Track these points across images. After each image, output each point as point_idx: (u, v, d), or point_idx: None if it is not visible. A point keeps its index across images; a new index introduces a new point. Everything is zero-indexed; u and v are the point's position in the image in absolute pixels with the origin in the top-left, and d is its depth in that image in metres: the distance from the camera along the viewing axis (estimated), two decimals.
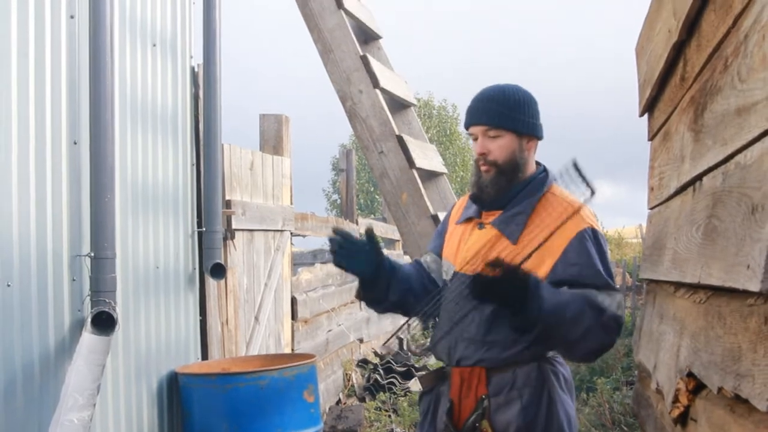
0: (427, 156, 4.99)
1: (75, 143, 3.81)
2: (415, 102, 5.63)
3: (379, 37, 5.60)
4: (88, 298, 3.80)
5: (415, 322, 3.18)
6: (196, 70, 5.18)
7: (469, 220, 3.13)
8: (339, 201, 30.53)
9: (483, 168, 3.00)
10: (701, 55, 2.21)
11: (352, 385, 9.48)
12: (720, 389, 1.75)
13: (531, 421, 2.88)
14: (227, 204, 5.62)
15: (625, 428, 7.08)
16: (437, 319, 3.12)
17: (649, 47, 3.07)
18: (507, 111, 2.96)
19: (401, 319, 3.28)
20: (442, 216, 4.40)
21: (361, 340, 10.67)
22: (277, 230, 6.77)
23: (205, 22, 5.10)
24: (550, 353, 2.97)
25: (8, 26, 3.37)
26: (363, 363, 10.11)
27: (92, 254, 3.78)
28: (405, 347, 12.36)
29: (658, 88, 3.00)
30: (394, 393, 9.11)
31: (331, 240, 3.03)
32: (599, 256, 2.88)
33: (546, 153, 3.14)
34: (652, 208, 3.22)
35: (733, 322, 1.71)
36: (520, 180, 3.00)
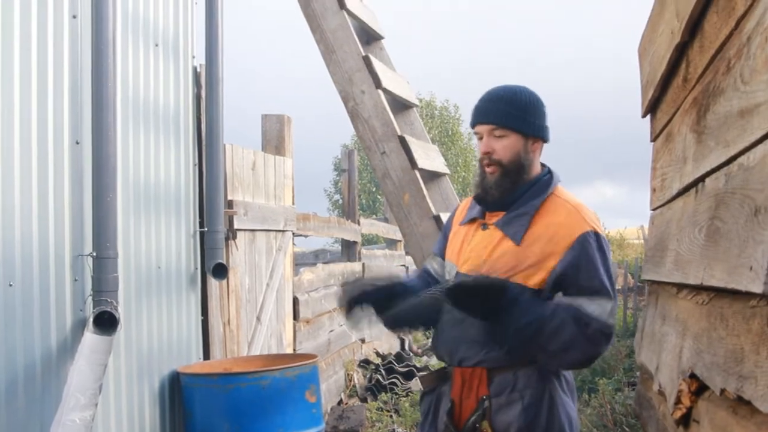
0: (429, 157, 4.99)
1: (77, 143, 3.81)
2: (417, 102, 5.63)
3: (381, 38, 5.60)
4: (90, 297, 3.81)
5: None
6: (198, 70, 5.18)
7: (472, 220, 3.13)
8: (341, 201, 30.53)
9: (488, 169, 2.99)
10: (704, 57, 2.21)
11: (354, 386, 9.47)
12: (723, 391, 1.75)
13: (532, 422, 2.88)
14: (229, 204, 5.62)
15: (627, 429, 7.08)
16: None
17: (652, 48, 3.07)
18: (514, 111, 2.95)
19: None
20: (444, 217, 4.40)
21: (362, 341, 10.67)
22: (279, 230, 6.77)
23: (207, 23, 5.10)
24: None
25: (11, 26, 3.37)
26: (365, 363, 10.11)
27: (94, 254, 3.78)
28: (407, 347, 12.36)
29: (661, 89, 3.00)
30: (396, 393, 9.11)
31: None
32: (600, 260, 2.88)
33: (546, 154, 3.14)
34: (654, 210, 3.22)
35: (735, 324, 1.71)
36: (525, 181, 2.99)
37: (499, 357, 2.92)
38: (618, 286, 13.77)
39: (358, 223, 11.01)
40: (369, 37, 5.52)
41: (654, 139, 3.30)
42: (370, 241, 22.68)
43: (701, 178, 2.17)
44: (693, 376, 2.08)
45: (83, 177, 3.84)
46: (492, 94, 3.04)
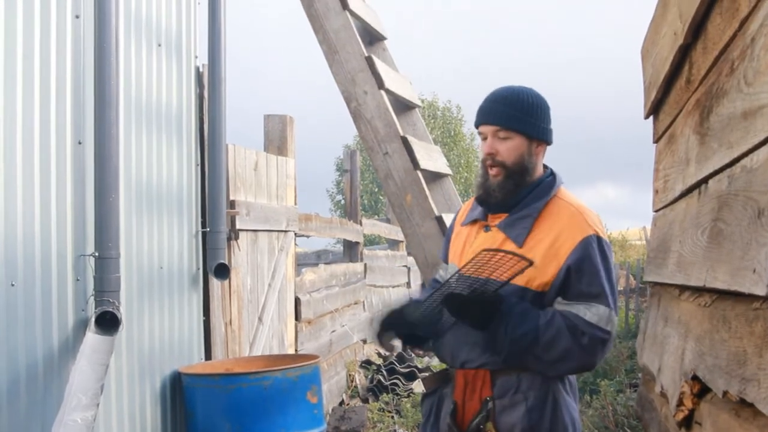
0: (431, 157, 4.99)
1: (80, 143, 3.81)
2: (419, 103, 5.63)
3: (384, 38, 5.60)
4: (92, 297, 3.80)
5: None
6: (201, 70, 5.18)
7: (474, 222, 3.12)
8: (343, 202, 30.52)
9: (491, 171, 2.99)
10: (707, 58, 2.21)
11: (356, 386, 9.47)
12: (725, 393, 1.74)
13: (536, 423, 2.87)
14: (231, 204, 5.62)
15: (629, 431, 7.07)
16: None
17: (655, 50, 3.07)
18: (519, 113, 2.95)
19: None
20: (446, 217, 4.40)
21: (364, 341, 10.67)
22: (281, 231, 6.78)
23: (210, 23, 5.10)
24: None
25: (14, 25, 3.37)
26: (366, 364, 10.11)
27: (96, 254, 3.78)
28: (408, 348, 12.34)
29: (664, 90, 2.99)
30: (398, 394, 9.11)
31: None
32: (602, 265, 2.87)
33: (549, 155, 3.14)
34: (656, 211, 3.22)
35: (738, 326, 1.71)
36: (528, 183, 2.99)
37: (500, 360, 2.93)
38: (620, 288, 13.77)
39: (360, 224, 11.01)
40: (372, 37, 5.52)
41: (657, 141, 3.29)
42: (372, 241, 22.69)
43: (704, 180, 2.17)
44: (695, 378, 2.07)
45: (85, 177, 3.84)
46: (497, 95, 3.03)
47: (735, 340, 1.71)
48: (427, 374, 3.41)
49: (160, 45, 4.62)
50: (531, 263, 2.73)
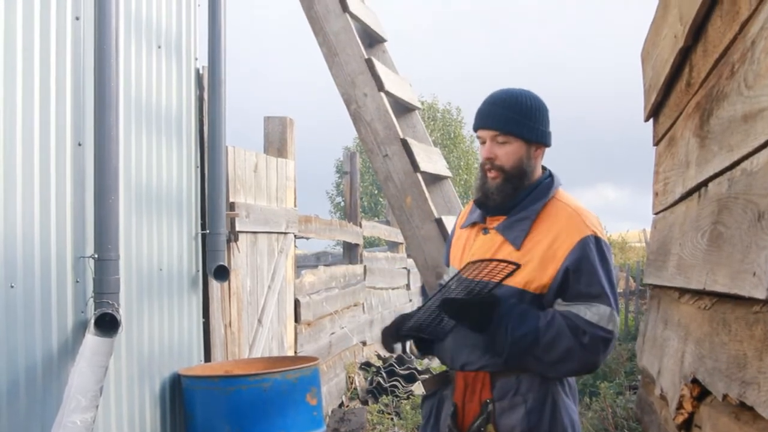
0: (431, 159, 4.99)
1: (79, 145, 3.81)
2: (419, 105, 5.62)
3: (384, 41, 5.60)
4: (92, 299, 3.80)
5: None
6: (200, 72, 5.18)
7: (473, 224, 3.13)
8: (343, 204, 30.52)
9: (490, 174, 2.99)
10: (707, 61, 2.21)
11: (355, 388, 9.47)
12: (725, 396, 1.74)
13: (535, 425, 2.87)
14: (231, 206, 5.62)
15: None
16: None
17: (655, 52, 3.07)
18: (517, 117, 2.95)
19: None
20: (446, 220, 4.40)
21: (364, 343, 10.67)
22: (281, 233, 6.77)
23: (210, 24, 5.10)
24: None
25: (14, 27, 3.37)
26: (366, 366, 10.11)
27: (96, 256, 3.78)
28: (408, 350, 12.33)
29: (664, 93, 2.99)
30: (397, 396, 9.10)
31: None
32: (601, 265, 2.87)
33: (549, 157, 3.14)
34: (656, 214, 3.22)
35: (738, 329, 1.71)
36: (526, 186, 2.99)
37: (501, 362, 2.93)
38: (620, 290, 13.77)
39: (360, 226, 11.01)
40: (372, 39, 5.52)
41: (657, 143, 3.29)
42: (371, 243, 22.67)
43: (704, 183, 2.17)
44: (695, 381, 2.07)
45: (85, 178, 3.83)
46: (495, 99, 3.02)
47: (735, 343, 1.71)
48: (426, 376, 3.41)
49: (160, 47, 4.62)
50: (518, 266, 2.74)
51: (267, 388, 4.47)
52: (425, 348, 3.21)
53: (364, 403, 9.14)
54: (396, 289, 13.00)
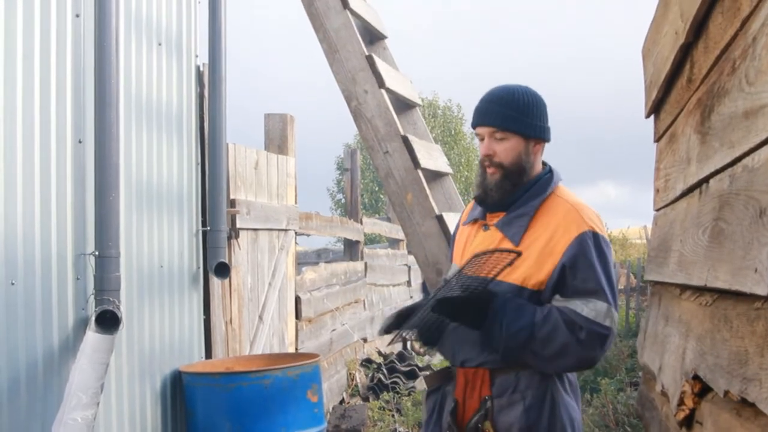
0: (432, 156, 4.98)
1: (80, 142, 3.81)
2: (420, 102, 5.62)
3: (385, 37, 5.58)
4: (92, 296, 3.80)
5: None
6: (201, 69, 5.18)
7: (475, 221, 3.13)
8: (343, 200, 30.51)
9: (489, 170, 2.99)
10: (708, 57, 2.20)
11: (356, 385, 9.48)
12: (726, 393, 1.74)
13: (533, 423, 2.87)
14: (232, 203, 5.62)
15: (629, 429, 7.07)
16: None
17: (656, 49, 3.06)
18: (515, 113, 2.95)
19: None
20: (447, 217, 4.39)
21: (365, 340, 10.68)
22: (282, 229, 6.77)
23: (211, 22, 5.10)
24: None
25: (14, 24, 3.37)
26: (367, 362, 10.12)
27: (96, 253, 3.78)
28: (409, 346, 12.36)
29: (665, 89, 2.99)
30: (398, 392, 9.11)
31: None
32: (598, 261, 2.86)
33: (550, 154, 3.13)
34: (657, 210, 3.21)
35: (739, 326, 1.71)
36: (525, 182, 2.99)
37: (498, 358, 2.93)
38: (620, 287, 13.77)
39: (361, 223, 11.01)
40: (372, 36, 5.51)
41: (657, 140, 3.29)
42: (372, 240, 22.66)
43: (705, 179, 2.17)
44: (696, 377, 2.07)
45: (86, 176, 3.83)
46: (493, 95, 3.02)
47: (736, 339, 1.71)
48: (427, 373, 3.42)
49: (160, 44, 4.62)
50: (519, 254, 2.74)
51: (268, 385, 4.48)
52: (428, 343, 3.22)
53: (365, 399, 9.15)
54: (397, 286, 13.00)
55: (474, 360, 2.97)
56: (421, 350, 12.24)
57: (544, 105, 3.04)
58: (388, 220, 13.79)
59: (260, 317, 6.25)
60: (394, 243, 14.08)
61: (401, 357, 10.43)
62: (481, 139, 3.02)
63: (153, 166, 4.50)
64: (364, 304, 10.81)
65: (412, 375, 9.63)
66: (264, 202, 6.34)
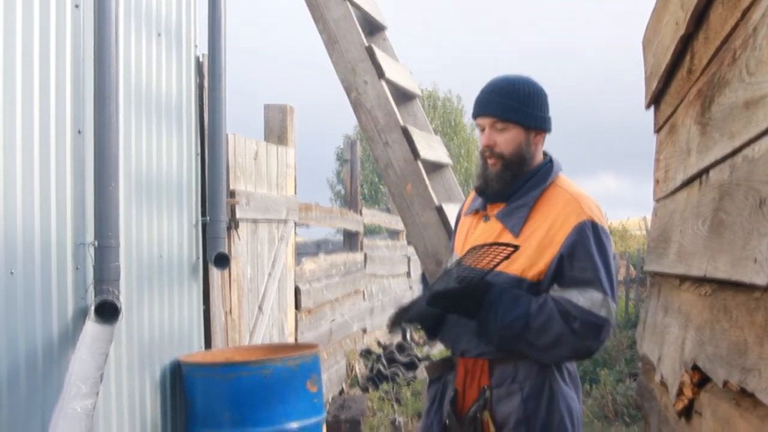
0: (431, 147, 4.98)
1: (79, 132, 3.80)
2: (420, 93, 5.61)
3: (385, 28, 5.58)
4: (92, 286, 3.80)
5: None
6: (201, 60, 5.17)
7: (476, 212, 3.13)
8: (343, 191, 30.51)
9: (489, 161, 2.99)
10: (709, 48, 2.20)
11: (356, 375, 9.49)
12: (725, 383, 1.74)
13: (531, 413, 2.88)
14: (231, 194, 5.62)
15: (628, 420, 7.09)
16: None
17: (656, 39, 3.06)
18: (516, 104, 2.94)
19: None
20: (446, 207, 4.39)
21: (364, 330, 10.69)
22: (281, 220, 6.77)
23: (210, 12, 5.09)
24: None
25: (13, 15, 3.36)
26: (366, 353, 10.14)
27: (96, 243, 3.78)
28: (408, 338, 12.38)
29: (665, 80, 2.98)
30: (397, 383, 9.13)
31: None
32: (597, 251, 2.86)
33: (549, 145, 3.13)
34: (657, 201, 3.21)
35: (739, 316, 1.71)
36: (526, 172, 2.99)
37: (494, 348, 2.94)
38: (620, 278, 13.78)
39: (361, 214, 11.01)
40: (372, 27, 5.50)
41: (657, 131, 3.28)
42: (372, 231, 22.68)
43: (705, 170, 2.16)
44: (695, 367, 2.07)
45: (85, 166, 3.83)
46: (494, 86, 3.02)
47: (736, 329, 1.71)
48: (427, 363, 3.43)
49: (159, 34, 4.61)
50: (516, 248, 2.74)
51: (267, 375, 4.48)
52: (430, 333, 3.24)
53: (365, 390, 9.16)
54: (396, 277, 13.02)
55: (473, 350, 2.98)
56: (420, 341, 12.29)
57: (545, 95, 3.04)
58: (388, 211, 13.80)
59: (260, 308, 6.25)
60: (393, 234, 14.09)
61: (400, 348, 10.44)
62: (482, 130, 3.02)
63: (152, 156, 4.50)
64: (364, 294, 10.81)
65: (411, 366, 9.65)
66: (264, 192, 6.34)
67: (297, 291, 7.53)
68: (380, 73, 4.68)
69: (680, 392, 2.19)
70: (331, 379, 8.60)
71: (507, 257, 2.76)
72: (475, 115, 3.04)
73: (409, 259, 13.70)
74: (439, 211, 4.41)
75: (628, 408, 7.20)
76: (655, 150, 3.28)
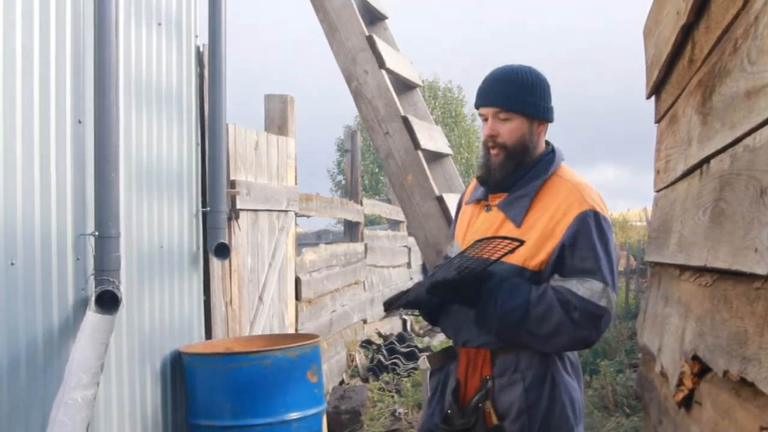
0: (432, 137, 4.97)
1: (79, 122, 3.80)
2: (420, 83, 5.61)
3: (385, 17, 5.57)
4: (92, 277, 3.81)
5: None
6: (201, 49, 5.16)
7: (477, 201, 3.13)
8: (344, 182, 30.50)
9: (492, 151, 2.98)
10: (710, 38, 2.19)
11: (356, 366, 9.50)
12: (725, 373, 1.74)
13: (533, 403, 2.88)
14: (232, 184, 5.61)
15: (628, 410, 7.10)
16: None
17: (657, 29, 3.05)
18: (518, 94, 2.94)
19: None
20: (447, 197, 4.39)
21: (364, 321, 10.70)
22: (282, 210, 6.77)
23: (211, 2, 5.08)
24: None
25: (13, 4, 3.35)
26: (366, 343, 10.14)
27: (96, 233, 3.78)
28: (408, 328, 12.39)
29: (666, 70, 2.98)
30: (398, 373, 9.14)
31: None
32: (598, 240, 2.85)
33: (548, 134, 3.12)
34: (658, 191, 3.21)
35: (739, 306, 1.71)
36: (528, 162, 2.99)
37: (493, 337, 2.94)
38: (621, 268, 13.78)
39: (361, 204, 11.01)
40: (372, 16, 5.49)
41: (658, 121, 3.28)
42: (372, 221, 22.70)
43: (706, 160, 2.16)
44: (695, 358, 2.07)
45: (85, 156, 3.83)
46: (496, 75, 3.02)
47: (736, 319, 1.71)
48: (429, 353, 3.44)
49: (160, 24, 4.60)
50: (522, 242, 2.74)
51: (268, 366, 4.49)
52: (429, 320, 3.25)
53: (365, 380, 9.17)
54: (397, 267, 13.02)
55: (475, 340, 2.98)
56: (421, 331, 12.30)
57: (548, 85, 3.03)
58: (389, 201, 13.79)
59: (260, 298, 6.26)
60: (394, 224, 14.09)
61: (401, 338, 10.45)
62: (485, 120, 3.02)
63: (153, 146, 4.49)
64: (364, 285, 10.82)
65: (411, 356, 9.66)
66: (264, 183, 6.33)
67: (297, 281, 7.53)
68: (381, 63, 4.67)
69: (680, 382, 2.19)
70: (331, 369, 8.61)
71: (511, 251, 2.76)
72: (478, 105, 3.04)
73: (409, 250, 13.70)
74: (440, 201, 4.41)
75: (629, 399, 7.21)
76: (656, 140, 3.27)
